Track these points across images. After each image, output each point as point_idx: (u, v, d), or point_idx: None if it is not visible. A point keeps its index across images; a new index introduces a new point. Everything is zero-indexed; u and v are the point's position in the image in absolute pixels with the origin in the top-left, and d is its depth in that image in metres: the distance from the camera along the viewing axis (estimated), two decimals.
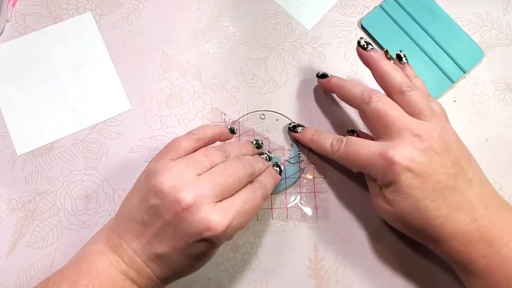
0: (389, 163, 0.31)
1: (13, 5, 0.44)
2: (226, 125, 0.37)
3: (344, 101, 0.37)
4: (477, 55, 0.42)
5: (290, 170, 0.40)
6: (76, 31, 0.43)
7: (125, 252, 0.30)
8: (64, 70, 0.42)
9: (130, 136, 0.41)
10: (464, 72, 0.41)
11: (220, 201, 0.30)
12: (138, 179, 0.33)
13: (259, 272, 0.38)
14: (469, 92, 0.42)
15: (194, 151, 0.33)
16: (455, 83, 0.42)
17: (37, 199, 0.39)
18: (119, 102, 0.42)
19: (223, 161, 0.32)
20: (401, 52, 0.38)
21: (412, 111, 0.33)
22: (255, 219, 0.39)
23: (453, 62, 0.42)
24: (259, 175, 0.34)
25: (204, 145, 0.34)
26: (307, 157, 0.40)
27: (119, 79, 0.42)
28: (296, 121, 0.41)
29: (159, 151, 0.33)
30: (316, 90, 0.42)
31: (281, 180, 0.39)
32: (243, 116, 0.41)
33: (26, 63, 0.42)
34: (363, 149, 0.33)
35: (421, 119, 0.33)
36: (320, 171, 0.40)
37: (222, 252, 0.38)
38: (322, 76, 0.39)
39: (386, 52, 0.41)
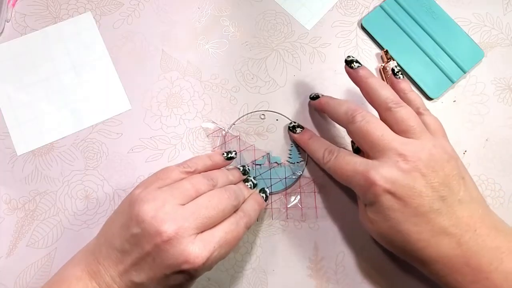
0: (369, 184, 0.31)
1: (13, 5, 0.44)
2: (221, 153, 0.37)
3: (333, 121, 0.37)
4: (477, 55, 0.42)
5: (290, 170, 0.40)
6: (76, 31, 0.43)
7: (103, 279, 0.30)
8: (64, 70, 0.42)
9: (130, 136, 0.41)
10: (464, 72, 0.41)
11: (201, 232, 0.30)
12: (121, 204, 0.32)
13: (259, 272, 0.38)
14: (469, 92, 0.42)
15: None
16: (455, 83, 0.42)
17: (37, 199, 0.39)
18: (119, 102, 0.42)
19: (210, 190, 0.32)
20: (396, 67, 0.37)
21: (400, 129, 0.32)
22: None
23: (453, 62, 0.42)
24: (244, 202, 0.34)
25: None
26: (307, 157, 0.40)
27: (119, 79, 0.42)
28: (296, 121, 0.41)
29: (148, 176, 0.33)
30: (316, 90, 0.42)
31: (281, 180, 0.39)
32: (243, 116, 0.41)
33: (26, 63, 0.42)
34: (349, 165, 0.33)
35: (409, 137, 0.32)
36: (320, 171, 0.40)
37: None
38: (314, 98, 0.39)
39: (386, 52, 0.42)
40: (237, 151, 0.38)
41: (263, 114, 0.41)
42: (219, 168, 0.36)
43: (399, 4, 0.43)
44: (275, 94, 0.42)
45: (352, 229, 0.39)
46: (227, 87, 0.42)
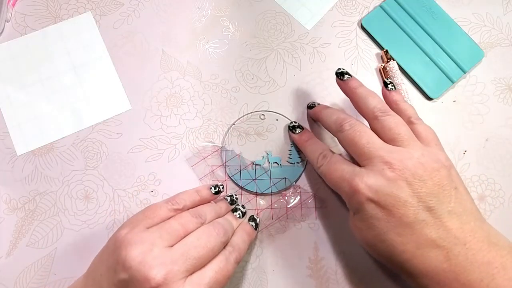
0: (353, 191, 0.30)
1: (13, 5, 0.44)
2: (208, 187, 0.37)
3: (326, 130, 0.37)
4: (477, 55, 0.42)
5: (290, 170, 0.40)
6: (76, 31, 0.43)
7: None
8: (64, 70, 0.42)
9: (130, 136, 0.41)
10: (464, 72, 0.41)
11: (191, 273, 0.29)
12: (108, 242, 0.32)
13: (259, 272, 0.38)
14: (469, 92, 0.42)
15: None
16: (455, 83, 0.42)
17: (37, 199, 0.39)
18: (119, 102, 0.42)
19: (198, 227, 0.32)
20: (387, 79, 0.37)
21: (387, 137, 0.32)
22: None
23: (453, 62, 0.42)
24: (233, 233, 0.34)
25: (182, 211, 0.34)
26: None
27: (119, 79, 0.42)
28: (297, 121, 0.41)
29: (133, 215, 0.33)
30: (316, 90, 0.42)
31: (280, 180, 0.39)
32: (242, 116, 0.41)
33: (26, 63, 0.42)
34: (337, 171, 0.33)
35: (397, 145, 0.31)
36: None
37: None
38: (311, 107, 0.40)
39: (386, 52, 0.42)
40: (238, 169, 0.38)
41: (263, 114, 0.41)
42: (207, 202, 0.36)
43: (399, 4, 0.43)
44: (275, 94, 0.42)
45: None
46: (227, 87, 0.42)
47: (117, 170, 0.40)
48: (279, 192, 0.39)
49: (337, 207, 0.39)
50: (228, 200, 0.38)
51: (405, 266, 0.30)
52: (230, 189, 0.40)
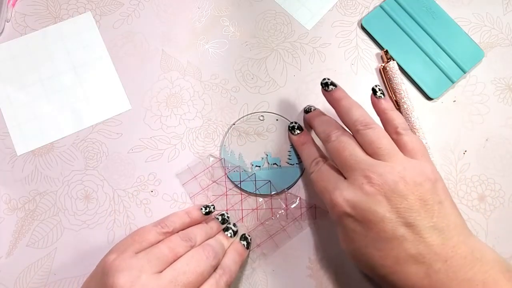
0: (333, 204, 0.31)
1: (13, 5, 0.44)
2: (198, 208, 0.36)
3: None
4: (477, 55, 0.42)
5: (289, 171, 0.40)
6: (76, 31, 0.43)
7: None
8: (64, 70, 0.42)
9: (130, 136, 0.41)
10: (464, 72, 0.41)
11: None
12: (96, 268, 0.32)
13: (259, 272, 0.38)
14: (469, 92, 0.42)
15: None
16: (455, 83, 0.42)
17: (37, 199, 0.39)
18: (119, 102, 0.42)
19: (188, 250, 0.32)
20: (376, 86, 0.35)
21: (369, 151, 0.32)
22: (256, 219, 0.39)
23: (453, 62, 0.42)
24: (224, 254, 0.34)
25: (172, 234, 0.33)
26: None
27: (119, 79, 0.42)
28: (297, 122, 0.41)
29: (121, 239, 0.33)
30: (316, 90, 0.42)
31: (280, 181, 0.39)
32: (242, 117, 0.41)
33: (26, 63, 0.42)
34: (324, 181, 0.33)
35: (379, 159, 0.31)
36: None
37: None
38: (307, 111, 0.39)
39: (386, 52, 0.42)
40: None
41: (262, 116, 0.41)
42: (198, 223, 0.36)
43: (399, 4, 0.43)
44: (275, 94, 0.42)
45: None
46: (227, 87, 0.42)
47: (117, 170, 0.40)
48: (278, 192, 0.39)
49: None
50: (219, 219, 0.37)
51: (386, 279, 0.29)
52: (230, 189, 0.40)
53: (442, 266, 0.27)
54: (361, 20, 0.43)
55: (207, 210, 0.36)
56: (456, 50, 0.42)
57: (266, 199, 0.39)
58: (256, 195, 0.39)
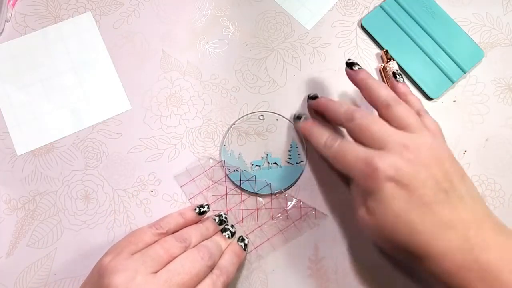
0: (372, 170, 0.30)
1: (13, 5, 0.44)
2: (193, 208, 0.36)
3: (331, 121, 0.37)
4: (477, 55, 0.42)
5: (289, 171, 0.40)
6: (76, 31, 0.43)
7: None
8: (64, 70, 0.42)
9: (130, 136, 0.41)
10: (464, 72, 0.41)
11: None
12: (93, 270, 0.32)
13: (259, 272, 0.38)
14: (469, 92, 0.42)
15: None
16: (455, 83, 0.42)
17: (37, 199, 0.39)
18: (119, 102, 0.42)
19: (183, 252, 0.32)
20: (397, 70, 0.38)
21: (399, 125, 0.32)
22: (255, 220, 0.39)
23: (453, 62, 0.42)
24: (222, 255, 0.34)
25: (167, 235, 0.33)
26: (307, 157, 0.40)
27: (119, 79, 0.42)
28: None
29: (117, 241, 0.33)
30: (316, 90, 0.42)
31: (280, 181, 0.39)
32: (242, 117, 0.41)
33: (26, 63, 0.42)
34: (352, 151, 0.32)
35: (409, 132, 0.32)
36: (320, 171, 0.40)
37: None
38: (313, 97, 0.39)
39: (386, 52, 0.42)
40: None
41: (262, 115, 0.41)
42: (193, 224, 0.36)
43: (399, 4, 0.43)
44: (275, 94, 0.42)
45: (352, 229, 0.39)
46: (227, 87, 0.42)
47: (117, 170, 0.40)
48: (278, 192, 0.39)
49: (337, 206, 0.39)
50: (217, 221, 0.36)
51: (422, 248, 0.29)
52: (230, 189, 0.40)
53: (477, 231, 0.29)
54: (361, 20, 0.43)
55: (201, 210, 0.36)
56: (456, 50, 0.42)
57: (266, 199, 0.39)
58: (256, 195, 0.39)
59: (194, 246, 0.33)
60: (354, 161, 0.32)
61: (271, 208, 0.39)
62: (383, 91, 0.34)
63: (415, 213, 0.29)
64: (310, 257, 0.38)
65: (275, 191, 0.39)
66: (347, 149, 0.33)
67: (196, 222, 0.36)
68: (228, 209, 0.39)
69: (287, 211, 0.39)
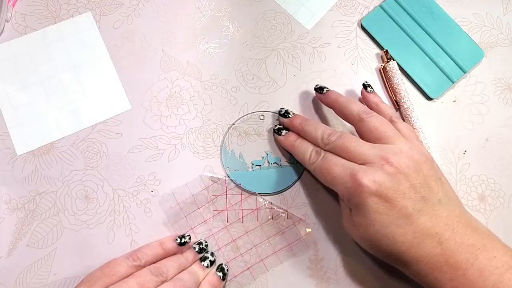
0: (357, 185, 0.31)
1: (13, 5, 0.44)
2: (173, 239, 0.35)
3: (341, 117, 0.38)
4: (477, 55, 0.42)
5: (289, 170, 0.40)
6: (76, 31, 0.43)
7: None
8: (64, 70, 0.42)
9: (130, 136, 0.41)
10: (464, 72, 0.41)
11: None
12: None
13: (259, 272, 0.38)
14: (469, 92, 0.42)
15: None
16: (455, 83, 0.42)
17: (37, 199, 0.39)
18: (119, 102, 0.42)
19: (159, 286, 0.31)
20: (366, 82, 0.39)
21: (374, 136, 0.33)
22: (256, 219, 0.39)
23: (453, 62, 0.42)
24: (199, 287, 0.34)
25: (144, 267, 0.33)
26: None
27: (119, 79, 0.42)
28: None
29: (92, 270, 0.33)
30: None
31: (280, 180, 0.39)
32: (242, 117, 0.41)
33: (26, 63, 0.42)
34: (337, 166, 0.33)
35: (384, 143, 0.33)
36: None
37: (222, 252, 0.38)
38: (320, 89, 0.39)
39: (386, 52, 0.42)
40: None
41: (262, 115, 0.41)
42: (172, 254, 0.35)
43: (399, 4, 0.43)
44: (275, 94, 0.42)
45: None
46: (227, 87, 0.42)
47: (117, 170, 0.40)
48: (279, 192, 0.39)
49: (338, 206, 0.39)
50: (196, 249, 0.36)
51: (402, 256, 0.31)
52: (230, 189, 0.40)
53: (450, 234, 0.30)
54: (361, 20, 0.43)
55: (182, 241, 0.35)
56: (456, 50, 0.42)
57: (266, 199, 0.39)
58: (256, 195, 0.39)
59: (170, 279, 0.33)
60: (340, 175, 0.32)
61: (271, 208, 0.39)
62: (354, 106, 0.35)
63: (396, 225, 0.31)
64: (310, 257, 0.38)
65: (276, 191, 0.39)
66: (332, 163, 0.33)
67: (175, 253, 0.35)
68: (226, 208, 0.39)
69: (287, 210, 0.39)
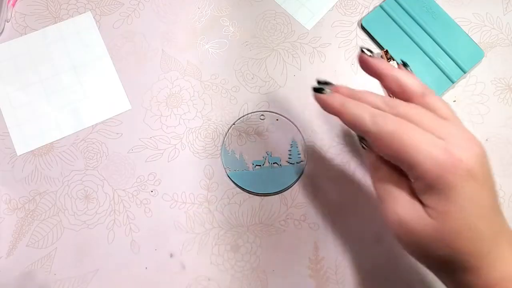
0: (453, 161, 0.24)
1: (13, 5, 0.44)
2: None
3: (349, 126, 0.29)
4: (477, 55, 0.42)
5: (290, 170, 0.40)
6: (76, 31, 0.43)
7: None
8: (64, 70, 0.42)
9: (130, 136, 0.41)
10: (464, 72, 0.41)
11: None
12: None
13: (259, 272, 0.38)
14: (469, 92, 0.42)
15: None
16: (455, 83, 0.42)
17: (37, 199, 0.39)
18: (119, 102, 0.42)
19: None
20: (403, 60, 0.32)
21: (441, 116, 0.27)
22: (256, 219, 0.39)
23: (453, 62, 0.42)
24: None
25: None
26: (307, 158, 0.40)
27: (119, 79, 0.42)
28: (297, 121, 0.41)
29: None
30: None
31: (281, 180, 0.39)
32: (242, 117, 0.41)
33: (26, 63, 0.42)
34: (417, 133, 0.25)
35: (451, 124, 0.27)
36: (320, 171, 0.40)
37: (222, 252, 0.38)
38: (321, 85, 0.30)
39: (386, 52, 0.42)
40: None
41: (262, 115, 0.41)
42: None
43: (399, 4, 0.43)
44: (275, 94, 0.42)
45: (352, 229, 0.39)
46: (227, 87, 0.42)
47: (117, 170, 0.40)
48: (279, 192, 0.39)
49: (338, 206, 0.39)
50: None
51: (477, 259, 0.25)
52: (229, 189, 0.40)
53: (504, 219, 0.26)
54: (361, 20, 0.43)
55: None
56: (456, 50, 0.42)
57: (267, 199, 0.39)
58: (256, 194, 0.39)
59: None
60: (424, 145, 0.24)
61: (272, 208, 0.39)
62: (414, 80, 0.29)
63: (484, 218, 0.24)
64: (310, 257, 0.38)
65: (276, 191, 0.39)
66: (409, 129, 0.25)
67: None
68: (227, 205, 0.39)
69: (288, 209, 0.39)
